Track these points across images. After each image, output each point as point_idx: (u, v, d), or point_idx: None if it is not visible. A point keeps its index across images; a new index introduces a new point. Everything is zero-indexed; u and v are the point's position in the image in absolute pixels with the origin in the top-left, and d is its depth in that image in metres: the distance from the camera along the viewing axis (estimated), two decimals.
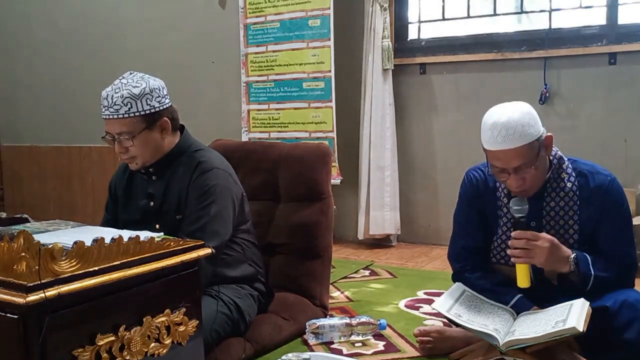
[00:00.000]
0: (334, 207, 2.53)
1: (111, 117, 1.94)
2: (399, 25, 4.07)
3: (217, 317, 1.93)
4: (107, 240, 1.26)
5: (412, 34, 4.10)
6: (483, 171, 2.09)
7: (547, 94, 3.58)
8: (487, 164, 1.98)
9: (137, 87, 1.93)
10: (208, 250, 1.48)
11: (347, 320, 2.27)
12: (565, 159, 1.98)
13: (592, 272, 1.87)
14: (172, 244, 1.42)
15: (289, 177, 2.50)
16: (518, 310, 1.99)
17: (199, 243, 1.47)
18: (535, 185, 1.92)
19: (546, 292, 2.00)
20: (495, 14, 3.85)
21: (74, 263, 1.19)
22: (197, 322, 1.46)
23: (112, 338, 1.26)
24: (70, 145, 5.15)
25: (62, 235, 1.45)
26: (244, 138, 4.27)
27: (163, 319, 1.37)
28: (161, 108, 1.98)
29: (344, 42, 4.01)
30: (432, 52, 3.98)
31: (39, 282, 1.12)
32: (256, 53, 4.20)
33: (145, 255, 1.33)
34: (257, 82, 4.23)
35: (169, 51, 4.69)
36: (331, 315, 2.47)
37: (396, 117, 3.97)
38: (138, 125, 1.95)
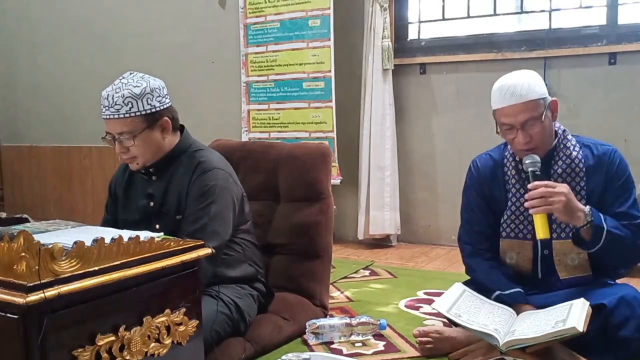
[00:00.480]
0: (334, 207, 2.53)
1: (112, 117, 1.94)
2: (399, 25, 4.07)
3: (217, 317, 1.93)
4: (107, 240, 1.26)
5: (412, 34, 4.10)
6: (489, 154, 2.18)
7: None
8: (497, 126, 2.05)
9: (138, 86, 1.93)
10: (208, 251, 1.48)
11: (347, 320, 2.27)
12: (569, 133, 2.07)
13: (605, 226, 1.89)
14: (172, 244, 1.42)
15: (289, 177, 2.50)
16: (512, 301, 2.01)
17: (199, 243, 1.47)
18: (542, 145, 1.99)
19: (550, 284, 2.04)
20: (495, 14, 3.85)
21: (74, 263, 1.19)
22: (197, 322, 1.46)
23: (112, 338, 1.26)
24: (70, 145, 5.15)
25: (62, 235, 1.45)
26: (244, 138, 4.27)
27: (163, 319, 1.37)
28: (162, 108, 1.99)
29: (344, 42, 4.01)
30: (432, 52, 3.98)
31: (39, 282, 1.12)
32: (256, 53, 4.20)
33: (145, 255, 1.33)
34: (257, 82, 4.23)
35: (169, 51, 4.69)
36: (331, 315, 2.47)
37: (396, 117, 3.97)
38: (139, 125, 1.95)
